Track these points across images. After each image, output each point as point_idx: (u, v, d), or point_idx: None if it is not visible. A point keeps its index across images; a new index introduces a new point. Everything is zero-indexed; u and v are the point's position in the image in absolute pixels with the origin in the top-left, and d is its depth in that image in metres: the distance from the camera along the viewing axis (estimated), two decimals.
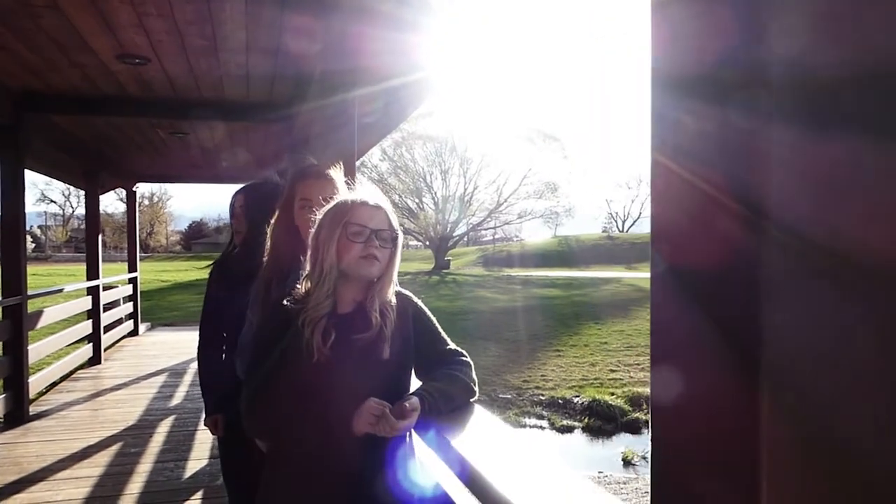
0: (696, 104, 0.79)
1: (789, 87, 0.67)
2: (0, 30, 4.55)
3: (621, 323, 20.66)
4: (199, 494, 4.91)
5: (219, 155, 9.72)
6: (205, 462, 5.57)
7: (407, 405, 1.82)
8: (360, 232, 1.95)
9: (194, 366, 9.53)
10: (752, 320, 0.69)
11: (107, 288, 10.92)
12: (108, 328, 10.84)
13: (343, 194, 2.15)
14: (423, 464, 2.14)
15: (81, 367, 9.54)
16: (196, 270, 43.82)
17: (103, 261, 10.69)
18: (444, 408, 1.93)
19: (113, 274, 12.75)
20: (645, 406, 13.35)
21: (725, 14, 0.74)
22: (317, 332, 1.91)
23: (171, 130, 7.95)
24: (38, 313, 7.75)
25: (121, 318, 11.89)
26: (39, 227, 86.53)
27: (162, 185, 74.27)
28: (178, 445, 6.04)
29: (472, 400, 2.06)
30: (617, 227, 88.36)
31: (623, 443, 12.01)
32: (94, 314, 9.96)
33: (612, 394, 13.82)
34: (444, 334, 2.14)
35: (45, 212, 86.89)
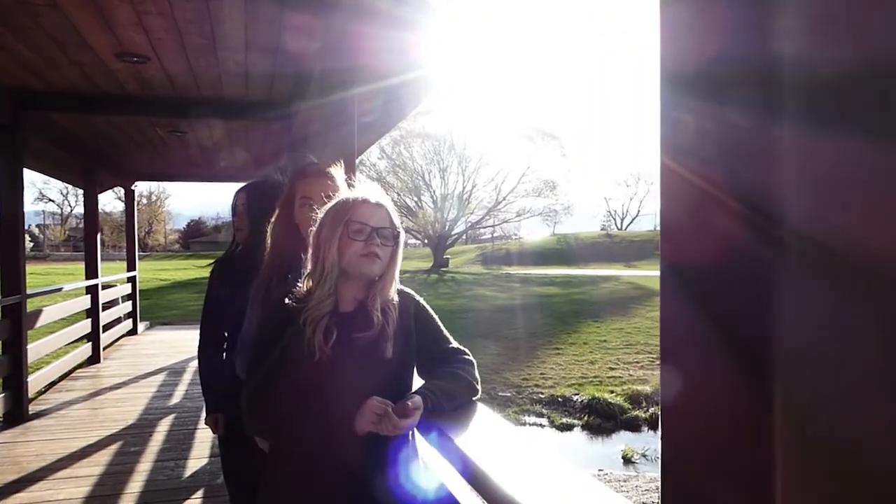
0: (706, 103, 0.78)
1: (801, 85, 0.67)
2: None
3: (620, 321, 20.66)
4: (199, 493, 4.90)
5: (218, 153, 9.71)
6: (205, 461, 5.56)
7: (409, 404, 1.81)
8: (361, 230, 1.94)
9: (193, 364, 9.55)
10: (761, 319, 0.69)
11: (105, 287, 10.91)
12: (107, 327, 10.83)
13: (344, 192, 2.14)
14: (426, 463, 2.14)
15: (80, 366, 9.53)
16: (195, 269, 43.75)
17: (102, 260, 10.68)
18: (447, 406, 1.93)
19: (111, 273, 12.75)
20: (644, 404, 13.36)
21: (736, 10, 0.74)
22: (318, 330, 1.90)
23: (169, 129, 7.94)
24: (38, 312, 7.73)
25: (119, 317, 11.88)
26: (37, 226, 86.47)
27: (160, 183, 74.30)
28: (178, 444, 6.03)
29: (474, 398, 2.06)
30: (615, 224, 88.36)
31: (623, 440, 12.01)
32: (92, 313, 9.95)
33: (612, 392, 13.82)
34: (446, 332, 2.14)
35: (43, 211, 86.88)
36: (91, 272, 10.32)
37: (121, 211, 65.05)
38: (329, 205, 2.05)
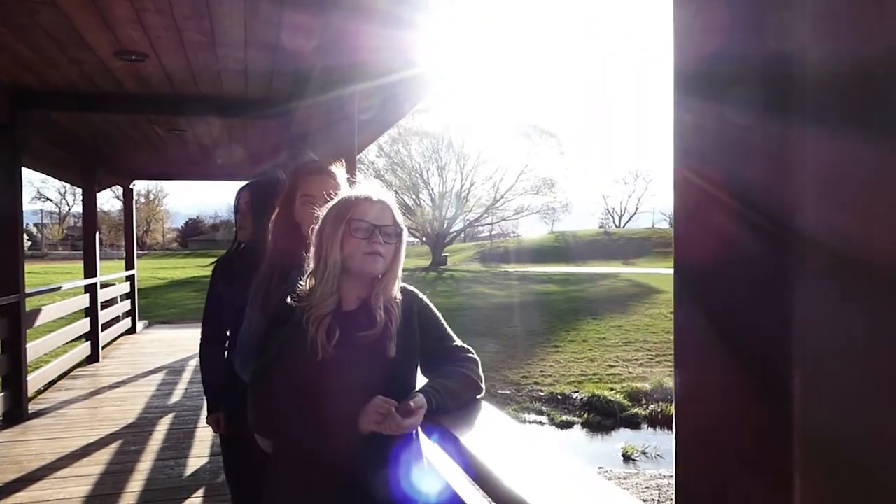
0: (720, 105, 0.77)
1: (821, 84, 0.66)
2: None
3: (619, 318, 20.67)
4: (200, 492, 4.90)
5: (216, 151, 9.69)
6: (205, 460, 5.56)
7: (412, 403, 1.80)
8: (363, 228, 1.93)
9: (193, 363, 9.54)
10: (776, 322, 0.68)
11: (104, 286, 10.89)
12: (106, 326, 10.82)
13: (346, 190, 2.13)
14: (430, 462, 2.13)
15: (79, 365, 9.51)
16: (193, 268, 43.78)
17: (100, 258, 10.66)
18: (451, 405, 1.92)
19: (110, 272, 12.74)
20: (644, 401, 13.38)
21: (752, 7, 0.72)
22: (321, 329, 1.89)
23: (168, 127, 7.92)
24: (36, 311, 7.72)
25: (118, 316, 11.87)
26: (35, 224, 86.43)
27: (158, 182, 74.23)
28: (178, 443, 6.03)
29: (478, 397, 2.05)
30: (614, 222, 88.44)
31: (622, 438, 12.03)
32: (91, 312, 9.93)
33: (611, 389, 13.83)
34: (449, 330, 2.13)
35: (41, 210, 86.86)
36: (90, 271, 10.31)
37: (119, 210, 65.02)
38: (331, 203, 2.04)
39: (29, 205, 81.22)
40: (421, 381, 2.04)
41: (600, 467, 10.54)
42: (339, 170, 2.65)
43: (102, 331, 10.36)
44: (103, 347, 10.44)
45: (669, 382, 14.00)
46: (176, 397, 7.78)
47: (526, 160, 46.24)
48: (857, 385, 0.64)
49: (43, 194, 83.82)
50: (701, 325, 0.79)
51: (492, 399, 14.22)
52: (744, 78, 0.73)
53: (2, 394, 6.60)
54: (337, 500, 1.90)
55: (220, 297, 3.21)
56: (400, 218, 2.02)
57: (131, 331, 12.62)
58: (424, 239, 46.63)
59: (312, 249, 2.01)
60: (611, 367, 15.53)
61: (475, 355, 2.10)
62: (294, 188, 2.68)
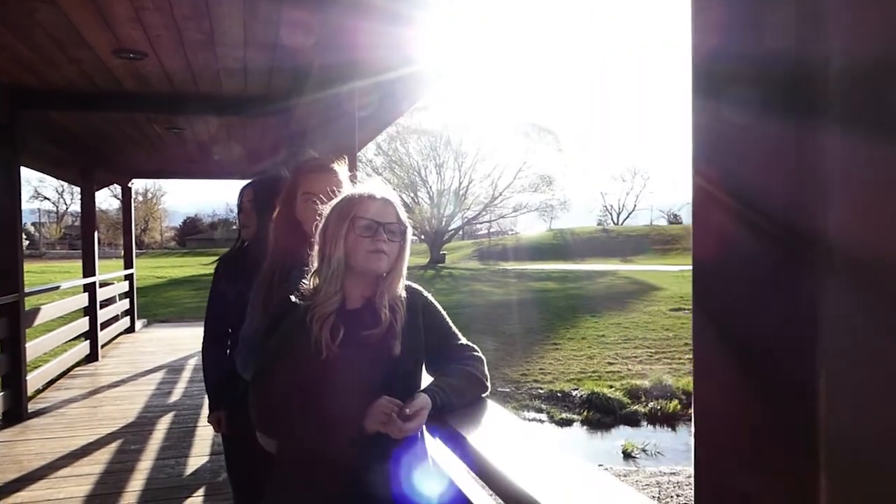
0: (744, 107, 0.75)
1: (848, 85, 0.65)
2: None
3: (618, 316, 20.68)
4: (201, 491, 4.89)
5: (215, 150, 9.68)
6: (205, 459, 5.55)
7: (408, 411, 1.78)
8: (367, 226, 1.92)
9: (192, 362, 9.54)
10: (800, 328, 0.67)
11: (103, 285, 10.89)
12: (105, 325, 10.81)
13: (350, 188, 2.12)
14: (435, 461, 2.12)
15: (79, 364, 9.51)
16: (191, 267, 43.75)
17: (98, 257, 10.65)
18: (457, 403, 1.92)
19: (108, 270, 12.73)
20: (644, 398, 13.37)
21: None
22: (325, 328, 1.88)
23: (167, 126, 7.91)
24: (36, 310, 7.72)
25: (117, 315, 11.86)
26: (33, 224, 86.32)
27: (156, 181, 74.09)
28: (179, 442, 6.02)
29: (484, 395, 2.04)
30: (612, 219, 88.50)
31: (622, 435, 12.01)
32: (90, 311, 9.93)
33: (611, 386, 13.82)
34: (454, 329, 2.12)
35: (38, 209, 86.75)
36: (88, 270, 10.30)
37: (116, 209, 65.03)
38: (335, 201, 2.03)
39: (27, 204, 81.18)
40: (426, 379, 2.03)
41: (600, 465, 10.53)
42: (340, 168, 2.64)
43: (101, 330, 10.35)
44: (102, 346, 10.44)
45: (669, 380, 14.01)
46: (176, 396, 7.78)
47: (524, 158, 46.30)
48: (880, 385, 0.64)
49: (41, 193, 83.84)
50: (720, 327, 0.79)
51: (491, 397, 14.15)
52: (765, 78, 0.71)
53: (1, 393, 6.60)
54: (340, 499, 1.90)
55: (222, 295, 3.21)
56: (404, 215, 2.02)
57: (130, 330, 12.61)
58: (423, 237, 46.61)
59: (316, 248, 2.00)
60: (610, 364, 15.53)
61: (480, 353, 2.09)
62: (295, 186, 2.67)
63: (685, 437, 12.03)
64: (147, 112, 6.85)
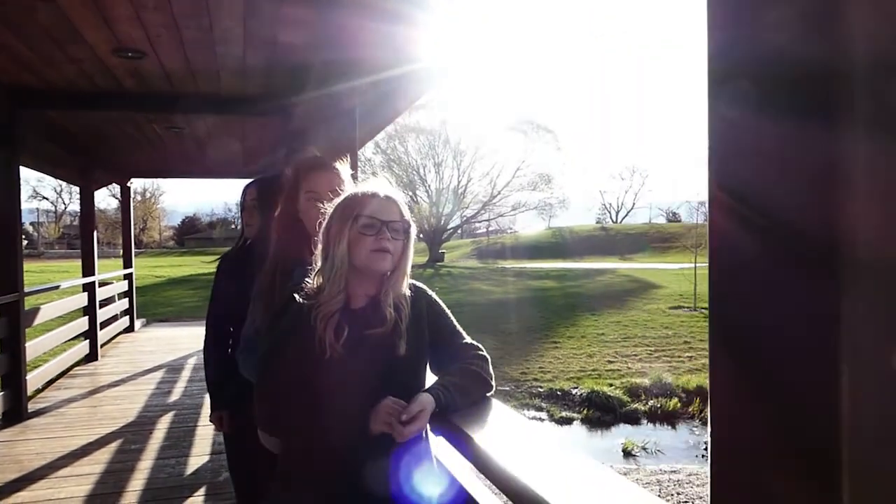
0: (763, 110, 0.74)
1: (876, 86, 0.63)
2: None
3: (617, 314, 20.69)
4: (202, 490, 4.89)
5: (214, 149, 9.66)
6: (206, 458, 5.55)
7: (404, 416, 1.77)
8: (370, 224, 1.92)
9: (192, 362, 9.53)
10: (830, 321, 0.66)
11: (102, 284, 10.87)
12: (104, 324, 10.80)
13: (353, 187, 2.11)
14: (440, 461, 2.12)
15: (78, 363, 9.50)
16: (190, 266, 43.72)
17: (97, 257, 10.64)
18: (462, 403, 1.91)
19: (107, 270, 12.71)
20: (643, 397, 13.39)
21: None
22: (329, 327, 1.87)
23: (166, 125, 7.90)
24: (35, 310, 7.71)
25: (116, 315, 11.84)
26: (32, 223, 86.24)
27: (155, 180, 74.05)
28: (179, 441, 6.02)
29: (489, 394, 2.04)
30: (611, 218, 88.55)
31: (622, 434, 12.03)
32: (90, 310, 9.91)
33: (611, 385, 13.83)
34: (459, 327, 2.12)
35: (37, 208, 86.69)
36: (88, 269, 10.29)
37: (115, 208, 64.93)
38: (338, 199, 2.02)
39: (25, 204, 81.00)
40: (430, 378, 2.03)
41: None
42: (342, 166, 2.63)
43: (101, 329, 10.34)
44: (102, 346, 10.42)
45: (668, 378, 14.03)
46: (175, 395, 7.77)
47: (523, 156, 46.32)
48: None
49: (39, 193, 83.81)
50: (738, 329, 0.78)
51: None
52: (785, 78, 0.70)
53: (1, 393, 6.58)
54: (343, 498, 1.89)
55: (224, 293, 3.20)
56: (407, 213, 2.01)
57: (129, 329, 12.60)
58: (421, 236, 46.61)
59: (320, 246, 2.00)
60: (609, 362, 15.54)
61: (485, 352, 2.08)
62: (297, 184, 2.65)
63: (685, 435, 12.05)
64: (146, 111, 6.84)
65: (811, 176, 0.68)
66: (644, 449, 11.15)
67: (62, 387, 8.27)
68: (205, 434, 6.14)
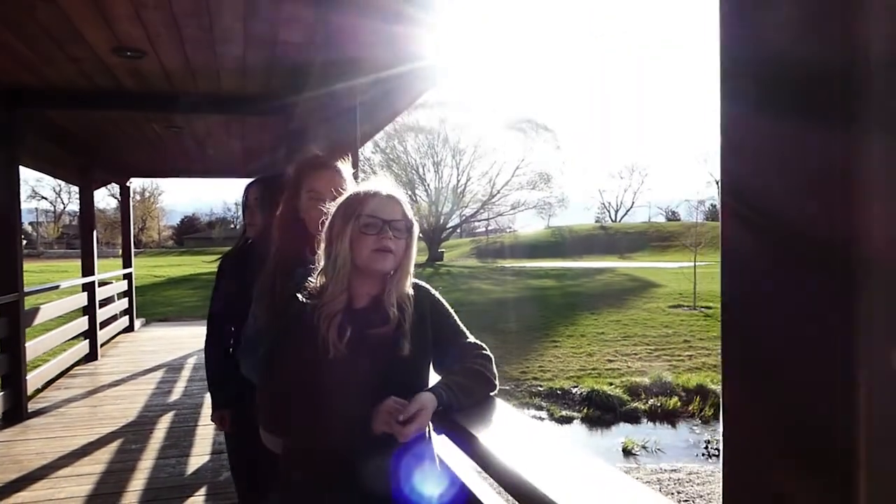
0: (777, 112, 0.73)
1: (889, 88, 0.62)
2: None
3: (617, 313, 20.69)
4: (202, 490, 4.88)
5: (214, 148, 9.66)
6: (207, 458, 5.54)
7: (401, 417, 1.76)
8: (372, 224, 1.91)
9: (191, 361, 9.52)
10: (847, 321, 0.66)
11: (102, 284, 10.87)
12: (104, 324, 10.80)
13: (355, 186, 2.11)
14: (443, 461, 2.11)
15: (78, 363, 9.49)
16: (189, 266, 43.71)
17: (96, 257, 10.64)
18: (465, 402, 1.90)
19: (106, 270, 12.70)
20: (643, 395, 13.38)
21: None
22: (332, 327, 1.87)
23: (166, 124, 7.89)
24: (35, 310, 7.70)
25: (116, 314, 11.83)
26: (30, 223, 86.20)
27: (154, 180, 74.00)
28: (179, 441, 6.01)
29: (492, 394, 2.03)
30: (610, 217, 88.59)
31: (622, 433, 12.03)
32: (89, 310, 9.91)
33: (611, 384, 13.83)
34: (462, 327, 2.11)
35: (36, 208, 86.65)
36: (87, 269, 10.28)
37: (114, 208, 64.93)
38: (340, 199, 2.02)
39: (24, 203, 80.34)
40: (433, 378, 2.02)
41: None
42: (344, 165, 2.63)
43: (101, 329, 10.34)
44: (102, 346, 10.42)
45: (668, 377, 14.03)
46: (176, 395, 7.76)
47: (522, 155, 46.33)
48: None
49: (38, 193, 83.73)
50: (751, 328, 0.77)
51: None
52: (806, 80, 0.69)
53: (1, 393, 6.58)
54: (346, 498, 1.89)
55: (226, 293, 3.20)
56: (410, 212, 2.00)
57: (129, 329, 12.59)
58: (421, 235, 46.38)
59: (322, 246, 1.99)
60: (609, 361, 15.54)
61: (489, 352, 2.07)
62: (299, 183, 2.65)
63: (685, 433, 12.05)
64: (146, 111, 6.82)
65: (824, 178, 0.67)
66: (644, 448, 11.15)
67: (62, 387, 8.26)
68: (205, 434, 6.14)
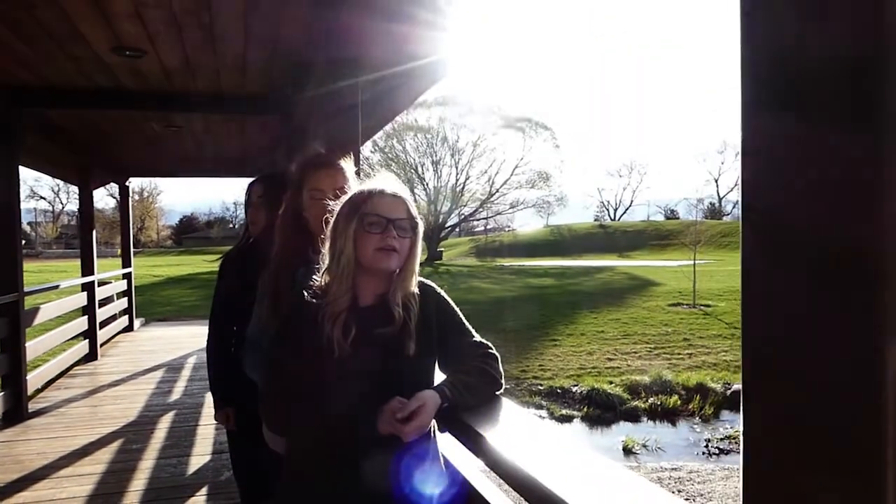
0: (803, 115, 0.72)
1: None
2: None
3: (616, 311, 20.66)
4: (203, 490, 4.87)
5: (214, 148, 9.64)
6: (208, 458, 5.53)
7: (399, 415, 1.75)
8: (377, 222, 1.90)
9: (192, 361, 9.52)
10: (871, 321, 0.65)
11: (101, 284, 10.85)
12: (104, 324, 10.78)
13: (359, 184, 2.10)
14: (448, 460, 2.10)
15: (78, 363, 9.48)
16: (188, 265, 43.70)
17: (96, 256, 10.63)
18: (471, 401, 1.89)
19: (105, 269, 12.69)
20: (644, 394, 13.37)
21: None
22: (337, 326, 1.86)
23: (165, 124, 7.87)
24: (35, 310, 7.69)
25: (115, 314, 11.82)
26: (29, 223, 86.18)
27: (152, 179, 74.00)
28: (180, 441, 6.00)
29: (498, 393, 2.02)
30: (609, 215, 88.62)
31: (623, 431, 12.01)
32: (89, 310, 9.89)
33: (611, 382, 13.81)
34: (468, 326, 2.10)
35: (34, 208, 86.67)
36: (87, 269, 10.27)
37: (112, 208, 64.96)
38: (344, 197, 2.00)
39: (23, 203, 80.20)
40: (439, 377, 2.01)
41: None
42: (347, 164, 2.62)
43: (100, 329, 10.33)
44: (101, 345, 10.40)
45: (668, 375, 14.01)
46: (176, 395, 7.75)
47: (521, 154, 46.36)
48: None
49: (37, 193, 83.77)
50: (775, 328, 0.76)
51: None
52: (822, 81, 0.68)
53: (1, 393, 6.57)
54: (350, 498, 1.88)
55: (228, 291, 3.19)
56: (415, 210, 1.99)
57: (129, 328, 12.58)
58: None
59: (327, 244, 1.98)
60: (609, 360, 15.52)
61: (494, 351, 2.05)
62: (302, 182, 2.64)
63: (685, 432, 12.04)
64: (145, 110, 6.80)
65: (845, 181, 0.66)
66: (644, 446, 11.13)
67: (62, 386, 8.25)
68: (206, 433, 6.13)
